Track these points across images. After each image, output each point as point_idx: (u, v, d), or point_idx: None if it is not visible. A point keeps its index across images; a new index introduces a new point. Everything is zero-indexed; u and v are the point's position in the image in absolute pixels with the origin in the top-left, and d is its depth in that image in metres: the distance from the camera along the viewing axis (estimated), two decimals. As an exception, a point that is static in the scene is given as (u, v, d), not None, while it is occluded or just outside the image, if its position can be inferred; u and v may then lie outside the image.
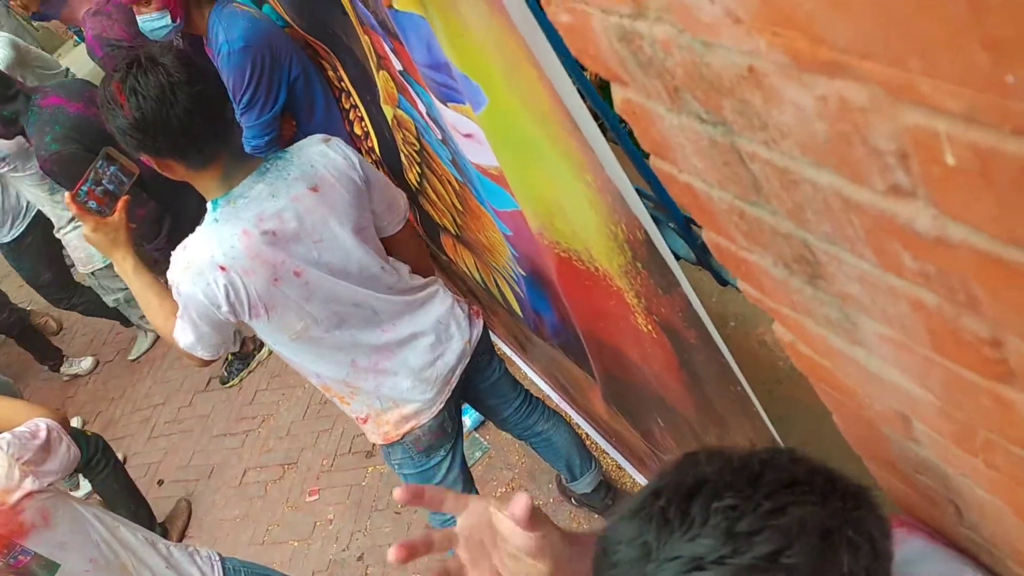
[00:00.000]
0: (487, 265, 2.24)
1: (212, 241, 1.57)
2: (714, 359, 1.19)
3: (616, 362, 1.71)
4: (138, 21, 2.34)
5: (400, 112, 2.02)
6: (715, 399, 1.35)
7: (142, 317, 3.88)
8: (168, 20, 2.32)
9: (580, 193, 1.13)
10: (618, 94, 0.64)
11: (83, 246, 3.51)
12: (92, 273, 3.63)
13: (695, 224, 1.55)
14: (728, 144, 0.55)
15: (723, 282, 1.63)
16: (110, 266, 3.41)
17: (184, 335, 1.67)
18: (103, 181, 1.72)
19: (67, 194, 1.70)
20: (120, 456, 3.51)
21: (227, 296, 1.58)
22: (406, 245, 1.95)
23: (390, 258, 1.85)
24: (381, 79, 2.01)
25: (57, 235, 3.63)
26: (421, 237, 2.08)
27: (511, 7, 0.79)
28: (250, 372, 3.89)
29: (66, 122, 2.81)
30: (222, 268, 1.56)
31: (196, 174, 1.59)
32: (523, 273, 1.94)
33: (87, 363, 4.50)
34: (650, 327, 1.35)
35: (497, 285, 2.29)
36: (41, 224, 3.87)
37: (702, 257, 1.60)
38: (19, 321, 4.30)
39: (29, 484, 1.67)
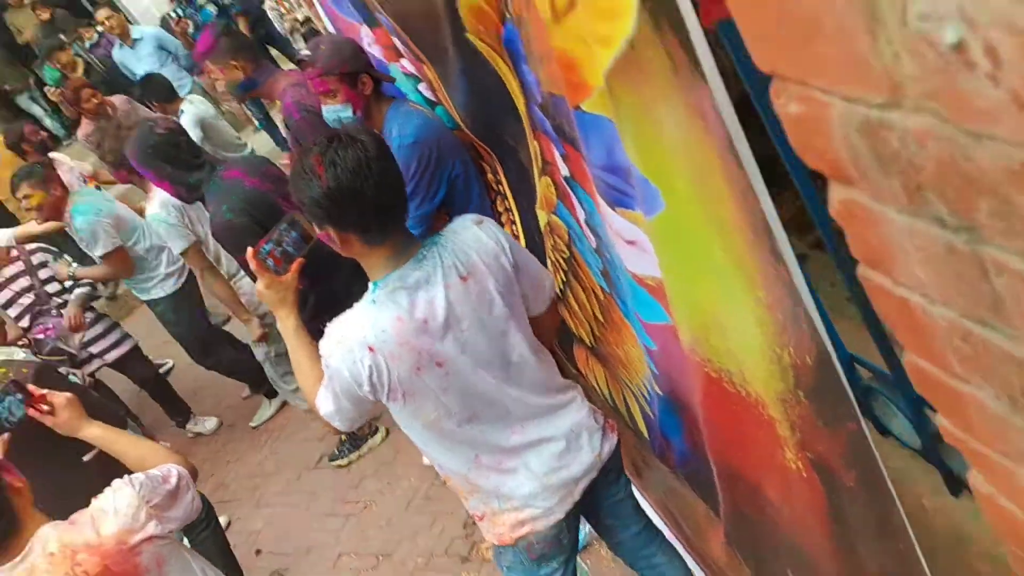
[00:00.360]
0: (618, 380, 2.19)
1: (367, 322, 1.62)
2: (878, 508, 1.08)
3: (750, 500, 1.60)
4: (323, 111, 2.55)
5: (555, 218, 2.05)
6: (867, 556, 1.23)
7: (285, 374, 4.00)
8: (350, 112, 2.51)
9: (748, 309, 1.09)
10: (838, 194, 0.61)
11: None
12: (263, 315, 3.80)
13: (930, 407, 1.44)
14: (969, 252, 0.51)
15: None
16: None
17: (325, 404, 1.71)
18: (283, 243, 1.84)
19: (250, 250, 1.82)
20: (224, 520, 3.57)
21: (370, 376, 1.62)
22: (544, 325, 1.94)
23: (545, 350, 1.84)
24: (542, 185, 2.06)
25: (232, 282, 3.84)
26: (559, 315, 2.07)
27: (721, 106, 0.79)
28: (360, 456, 3.92)
29: (242, 194, 3.03)
30: (371, 349, 1.60)
31: (370, 250, 1.64)
32: (659, 393, 1.88)
33: (211, 423, 4.67)
34: (800, 464, 1.26)
35: (626, 402, 2.23)
36: (194, 278, 4.15)
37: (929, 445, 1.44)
38: (154, 376, 4.56)
39: (152, 528, 1.69)
